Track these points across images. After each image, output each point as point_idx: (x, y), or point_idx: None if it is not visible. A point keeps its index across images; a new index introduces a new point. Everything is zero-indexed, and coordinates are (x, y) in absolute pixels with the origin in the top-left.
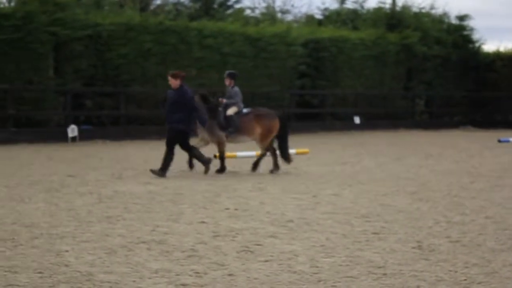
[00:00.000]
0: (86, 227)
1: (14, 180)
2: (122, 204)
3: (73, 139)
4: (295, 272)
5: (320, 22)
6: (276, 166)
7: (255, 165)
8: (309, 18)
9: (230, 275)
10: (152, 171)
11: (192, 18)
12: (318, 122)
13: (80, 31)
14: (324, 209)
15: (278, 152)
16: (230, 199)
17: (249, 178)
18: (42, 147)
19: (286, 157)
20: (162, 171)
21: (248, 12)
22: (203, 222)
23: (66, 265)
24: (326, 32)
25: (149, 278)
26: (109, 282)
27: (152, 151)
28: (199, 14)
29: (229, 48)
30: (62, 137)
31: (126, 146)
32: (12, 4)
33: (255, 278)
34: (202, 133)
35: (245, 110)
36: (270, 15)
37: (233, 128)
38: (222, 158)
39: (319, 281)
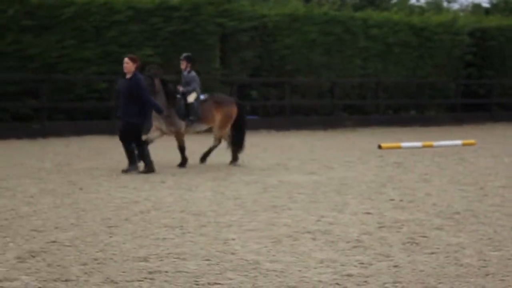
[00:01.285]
0: (252, 216)
1: (182, 169)
2: (287, 194)
3: None
4: (461, 265)
5: (487, 11)
6: (234, 158)
7: (204, 157)
8: (476, 7)
9: (395, 266)
10: (124, 171)
11: (356, 8)
12: (485, 112)
13: (246, 22)
14: (492, 202)
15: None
16: (395, 190)
17: (414, 169)
18: (210, 136)
19: (240, 146)
20: (132, 166)
21: (412, 1)
22: (368, 212)
23: (233, 253)
24: (494, 21)
25: (314, 268)
26: (274, 270)
27: (317, 141)
28: (364, 4)
29: (394, 38)
30: None
31: (291, 136)
32: None
33: (421, 270)
34: (158, 122)
35: (202, 97)
36: (435, 4)
37: (194, 117)
38: (182, 149)
39: (487, 274)
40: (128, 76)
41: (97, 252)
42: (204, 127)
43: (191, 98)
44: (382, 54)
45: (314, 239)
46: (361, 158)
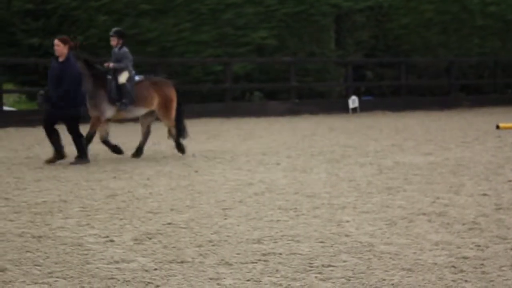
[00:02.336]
0: (367, 198)
1: (297, 150)
2: (402, 175)
3: (354, 110)
4: None
5: None
6: (180, 147)
7: (180, 149)
8: None
9: None
10: (72, 163)
11: None
12: None
13: (362, 2)
14: None
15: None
16: None
17: None
18: (324, 118)
19: (182, 132)
20: (82, 158)
21: None
22: (485, 194)
23: (347, 235)
24: None
25: (430, 250)
26: (389, 253)
27: (433, 122)
28: None
29: None
30: (343, 108)
31: (407, 116)
32: None
33: None
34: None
35: (137, 78)
36: None
37: (128, 99)
38: (89, 140)
39: None
40: (60, 59)
41: (212, 234)
42: (141, 111)
43: (123, 78)
44: (501, 32)
45: (429, 221)
46: (478, 138)
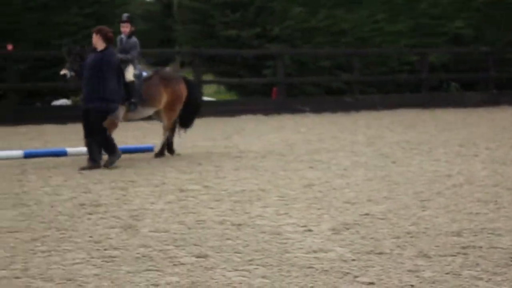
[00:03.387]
0: None
1: (496, 142)
2: None
3: None
4: None
5: None
6: (161, 152)
7: (170, 149)
8: None
9: None
10: (104, 166)
11: None
12: None
13: None
14: None
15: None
16: None
17: None
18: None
19: (187, 125)
20: (114, 154)
21: None
22: None
23: None
24: None
25: None
26: None
27: None
28: None
29: None
30: None
31: None
32: None
33: None
34: None
35: (145, 73)
36: None
37: (136, 98)
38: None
39: None
40: (98, 49)
41: (410, 225)
42: (150, 111)
43: (130, 74)
44: None
45: None
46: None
